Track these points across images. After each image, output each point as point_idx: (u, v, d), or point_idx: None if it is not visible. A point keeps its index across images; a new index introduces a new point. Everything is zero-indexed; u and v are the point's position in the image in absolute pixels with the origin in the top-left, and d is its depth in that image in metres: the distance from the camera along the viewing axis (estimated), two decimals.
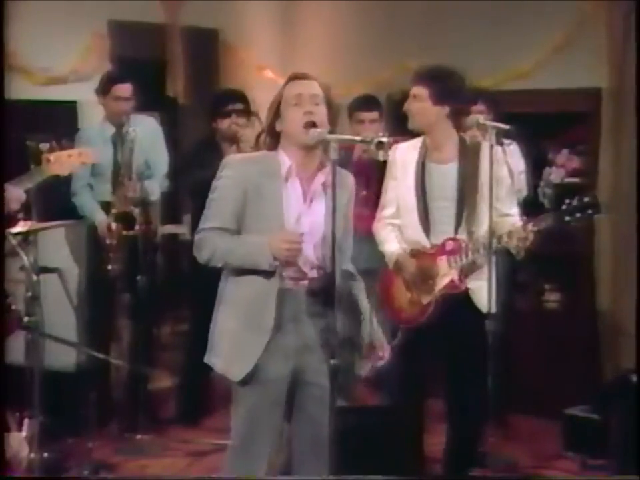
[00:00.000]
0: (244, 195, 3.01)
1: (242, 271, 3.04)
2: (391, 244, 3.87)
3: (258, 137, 3.16)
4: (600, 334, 5.08)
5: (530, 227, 3.63)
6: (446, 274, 3.74)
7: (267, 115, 3.10)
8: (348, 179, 3.21)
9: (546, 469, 4.46)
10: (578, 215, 3.58)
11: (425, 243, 3.80)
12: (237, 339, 3.05)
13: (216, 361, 3.11)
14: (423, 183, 3.78)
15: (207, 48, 6.10)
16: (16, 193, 3.74)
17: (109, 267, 4.76)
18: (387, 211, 3.91)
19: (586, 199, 3.60)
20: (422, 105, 3.76)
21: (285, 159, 3.05)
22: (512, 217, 3.78)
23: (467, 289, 3.72)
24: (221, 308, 3.12)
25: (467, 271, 3.72)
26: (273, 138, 3.08)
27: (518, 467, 4.43)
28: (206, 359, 3.15)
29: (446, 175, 3.77)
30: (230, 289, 3.10)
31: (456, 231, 3.74)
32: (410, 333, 3.81)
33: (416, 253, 3.81)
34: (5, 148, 3.55)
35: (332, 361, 2.95)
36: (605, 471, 4.29)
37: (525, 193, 4.75)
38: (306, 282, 3.06)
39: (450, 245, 3.73)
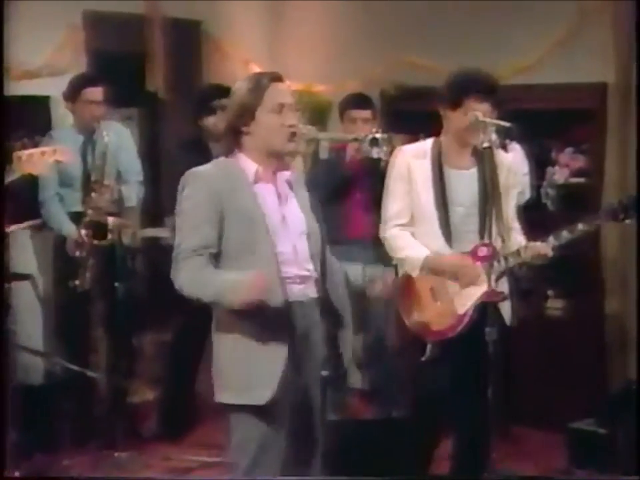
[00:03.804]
0: (220, 208, 3.03)
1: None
2: (416, 248, 3.82)
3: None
4: (607, 343, 5.07)
5: (551, 240, 3.67)
6: (483, 281, 3.70)
7: (235, 114, 3.11)
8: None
9: None
10: (621, 215, 3.63)
11: (445, 251, 3.79)
12: (254, 361, 3.03)
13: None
14: (443, 189, 3.78)
15: (189, 40, 6.08)
16: None
17: (77, 282, 4.72)
18: (401, 219, 3.86)
19: (624, 201, 3.65)
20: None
21: (248, 163, 3.10)
22: (515, 231, 3.83)
23: (503, 298, 3.71)
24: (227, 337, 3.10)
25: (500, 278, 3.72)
26: (235, 138, 3.11)
27: None
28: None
29: (468, 181, 3.79)
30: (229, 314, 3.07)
31: (481, 238, 3.74)
32: (441, 347, 3.77)
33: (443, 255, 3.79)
34: None
35: (323, 373, 2.97)
36: None
37: (528, 195, 4.77)
38: (313, 286, 3.10)
39: (483, 251, 3.70)
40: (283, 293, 3.05)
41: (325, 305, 3.10)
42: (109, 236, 4.75)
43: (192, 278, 3.04)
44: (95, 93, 4.84)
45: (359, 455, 3.95)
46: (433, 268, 3.78)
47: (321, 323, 3.12)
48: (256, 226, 3.04)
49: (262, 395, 3.02)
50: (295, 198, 3.19)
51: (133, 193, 5.05)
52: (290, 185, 3.19)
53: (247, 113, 3.08)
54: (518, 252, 3.70)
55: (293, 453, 3.15)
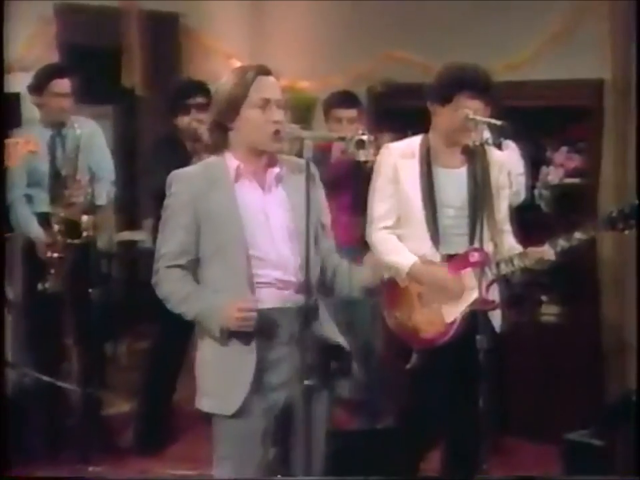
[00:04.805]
0: (196, 213, 3.03)
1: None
2: (403, 254, 3.78)
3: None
4: (603, 351, 5.06)
5: (546, 248, 3.63)
6: (474, 288, 3.65)
7: (219, 109, 3.07)
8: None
9: None
10: (620, 225, 3.59)
11: (433, 255, 3.74)
12: (223, 369, 3.04)
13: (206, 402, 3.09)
14: (431, 189, 3.74)
15: (167, 34, 6.08)
16: None
17: (47, 284, 4.69)
18: (387, 221, 3.81)
19: (625, 210, 3.60)
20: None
21: (232, 161, 3.08)
22: (507, 233, 3.81)
23: (494, 306, 3.69)
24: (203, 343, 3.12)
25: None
26: (220, 135, 3.08)
27: None
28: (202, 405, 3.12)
29: (458, 180, 3.75)
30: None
31: (471, 242, 3.70)
32: (427, 356, 3.74)
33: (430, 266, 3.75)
34: None
35: (306, 382, 2.95)
36: None
37: (522, 196, 4.75)
38: (302, 291, 3.03)
39: (475, 257, 3.64)
40: (252, 297, 3.01)
41: (314, 311, 3.04)
42: (84, 234, 4.70)
43: (173, 291, 3.07)
44: (63, 84, 4.80)
45: (344, 466, 3.93)
46: (417, 278, 3.74)
47: (309, 331, 3.05)
48: (230, 228, 3.01)
49: (229, 405, 3.02)
50: (287, 195, 3.12)
51: (104, 192, 5.01)
52: (280, 181, 3.12)
53: (231, 108, 3.04)
54: (511, 259, 3.67)
55: (282, 463, 3.15)
